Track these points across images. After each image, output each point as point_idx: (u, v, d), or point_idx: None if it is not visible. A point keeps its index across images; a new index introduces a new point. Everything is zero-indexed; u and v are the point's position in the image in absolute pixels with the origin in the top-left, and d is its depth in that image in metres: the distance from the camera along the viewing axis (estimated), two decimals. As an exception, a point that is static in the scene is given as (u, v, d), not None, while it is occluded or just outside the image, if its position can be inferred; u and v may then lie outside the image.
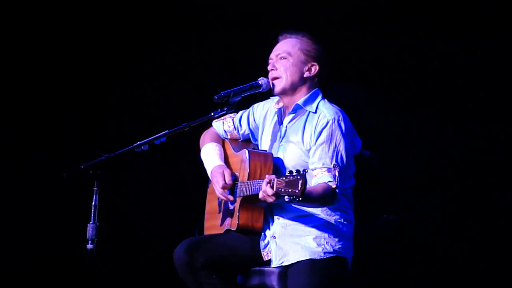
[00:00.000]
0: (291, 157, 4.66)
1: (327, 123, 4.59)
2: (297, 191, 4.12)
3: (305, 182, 4.12)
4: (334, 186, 4.45)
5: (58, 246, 6.57)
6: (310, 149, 4.61)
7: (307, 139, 4.63)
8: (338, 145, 4.56)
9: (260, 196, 4.32)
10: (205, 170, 4.92)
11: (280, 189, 4.17)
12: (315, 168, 4.53)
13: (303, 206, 4.56)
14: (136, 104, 6.69)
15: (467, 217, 6.09)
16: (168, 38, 6.66)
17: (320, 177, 4.50)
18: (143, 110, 6.68)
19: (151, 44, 6.67)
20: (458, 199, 6.12)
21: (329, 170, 4.50)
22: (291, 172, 4.17)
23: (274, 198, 4.26)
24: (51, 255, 6.59)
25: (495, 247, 6.03)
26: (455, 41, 6.12)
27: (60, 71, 6.64)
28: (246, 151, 4.71)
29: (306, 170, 4.17)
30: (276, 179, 4.21)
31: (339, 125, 4.60)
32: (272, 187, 4.22)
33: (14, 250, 6.58)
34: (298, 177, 4.13)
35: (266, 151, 4.77)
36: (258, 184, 4.47)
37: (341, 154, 4.55)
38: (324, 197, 4.44)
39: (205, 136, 5.07)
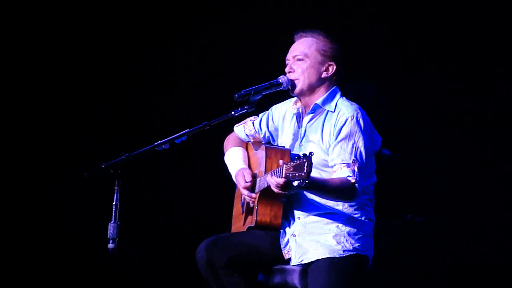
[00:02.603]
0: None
1: (346, 120, 4.58)
2: (303, 173, 4.11)
3: (310, 164, 4.11)
4: (353, 180, 4.43)
5: (79, 246, 6.59)
6: (330, 147, 4.59)
7: (326, 137, 4.62)
8: (357, 141, 4.55)
9: (271, 184, 4.30)
10: (230, 174, 4.93)
11: (288, 174, 4.16)
12: (335, 164, 4.52)
13: (319, 196, 4.53)
14: (157, 103, 6.70)
15: (494, 217, 6.04)
16: (188, 37, 6.67)
17: (339, 172, 4.49)
18: (164, 109, 6.68)
19: (171, 42, 6.68)
20: (482, 199, 6.07)
21: (348, 165, 4.48)
22: (298, 157, 4.16)
23: (283, 184, 4.23)
24: (73, 254, 6.61)
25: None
26: (472, 38, 6.10)
27: (81, 70, 6.67)
28: (264, 147, 4.72)
29: (313, 153, 4.16)
30: (284, 165, 4.20)
31: (358, 122, 4.58)
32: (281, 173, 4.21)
33: (35, 249, 6.60)
34: (304, 160, 4.13)
35: (284, 147, 4.76)
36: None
37: (360, 151, 4.53)
38: (342, 190, 4.43)
39: (228, 141, 5.07)
